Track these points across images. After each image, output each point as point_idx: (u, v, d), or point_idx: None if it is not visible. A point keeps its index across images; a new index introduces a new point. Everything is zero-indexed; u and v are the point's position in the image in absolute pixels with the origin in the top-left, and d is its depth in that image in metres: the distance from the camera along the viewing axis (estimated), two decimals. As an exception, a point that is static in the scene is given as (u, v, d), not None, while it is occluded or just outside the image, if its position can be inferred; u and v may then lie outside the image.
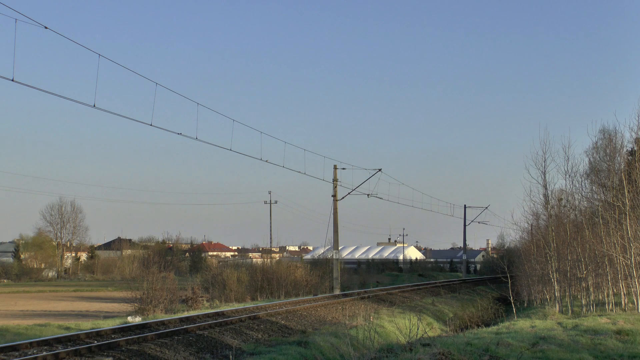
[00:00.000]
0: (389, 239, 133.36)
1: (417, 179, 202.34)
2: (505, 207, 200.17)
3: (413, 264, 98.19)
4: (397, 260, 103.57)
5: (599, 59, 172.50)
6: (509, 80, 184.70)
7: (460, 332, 22.40)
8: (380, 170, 41.94)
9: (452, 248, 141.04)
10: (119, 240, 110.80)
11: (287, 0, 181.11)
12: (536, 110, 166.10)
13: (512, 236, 76.77)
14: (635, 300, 26.31)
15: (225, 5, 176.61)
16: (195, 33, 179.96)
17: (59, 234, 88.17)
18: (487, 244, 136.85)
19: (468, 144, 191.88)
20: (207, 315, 24.07)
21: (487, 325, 28.60)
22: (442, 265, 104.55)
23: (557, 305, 30.18)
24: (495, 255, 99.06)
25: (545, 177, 31.05)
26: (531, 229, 40.57)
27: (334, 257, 42.27)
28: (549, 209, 32.84)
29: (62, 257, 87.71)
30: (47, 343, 16.53)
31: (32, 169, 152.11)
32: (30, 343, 16.19)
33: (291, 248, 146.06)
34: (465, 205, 75.15)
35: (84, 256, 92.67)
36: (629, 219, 25.73)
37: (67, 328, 23.19)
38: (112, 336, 18.22)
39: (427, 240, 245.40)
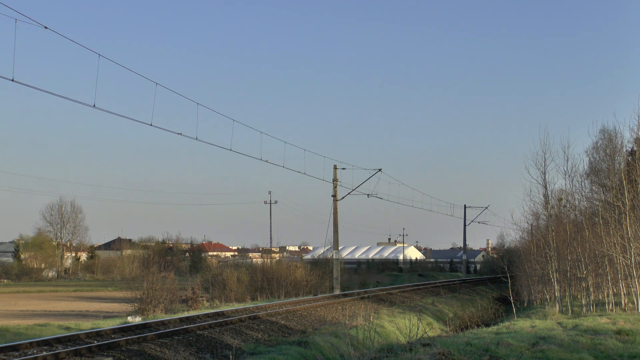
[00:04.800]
0: (389, 239, 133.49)
1: (417, 179, 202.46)
2: (505, 207, 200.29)
3: (413, 264, 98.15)
4: (397, 260, 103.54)
5: (599, 59, 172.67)
6: (509, 81, 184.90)
7: (460, 332, 22.42)
8: (380, 170, 41.95)
9: (452, 248, 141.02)
10: (119, 240, 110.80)
11: (287, 0, 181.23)
12: (536, 110, 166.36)
13: (512, 236, 76.81)
14: (635, 300, 26.31)
15: (225, 5, 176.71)
16: (195, 33, 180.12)
17: (59, 234, 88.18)
18: (487, 244, 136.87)
19: (468, 144, 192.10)
20: (207, 315, 24.07)
21: (487, 325, 28.61)
22: (442, 265, 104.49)
23: (557, 305, 30.17)
24: (495, 255, 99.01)
25: (545, 177, 31.09)
26: (531, 229, 40.57)
27: (334, 257, 42.25)
28: (549, 209, 32.85)
29: (62, 257, 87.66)
30: (47, 343, 16.53)
31: (32, 169, 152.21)
32: (30, 343, 16.19)
33: (291, 248, 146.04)
34: (465, 205, 75.23)
35: (84, 256, 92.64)
36: (629, 219, 25.73)
37: (67, 328, 23.19)
38: (112, 336, 18.22)
39: (427, 240, 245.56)
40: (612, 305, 28.17)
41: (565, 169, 30.43)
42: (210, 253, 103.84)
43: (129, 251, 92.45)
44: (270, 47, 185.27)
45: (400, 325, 26.92)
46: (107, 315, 30.45)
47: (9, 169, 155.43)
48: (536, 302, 37.59)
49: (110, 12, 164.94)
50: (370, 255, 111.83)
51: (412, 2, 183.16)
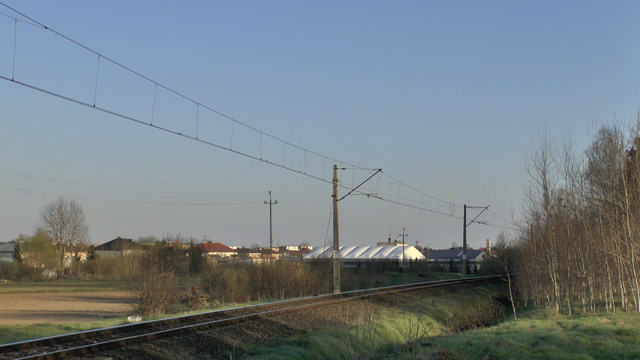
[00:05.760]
0: (389, 239, 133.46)
1: (417, 179, 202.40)
2: (505, 207, 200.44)
3: (413, 264, 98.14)
4: (397, 260, 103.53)
5: (599, 59, 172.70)
6: (509, 80, 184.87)
7: (460, 332, 22.41)
8: (380, 170, 41.94)
9: (452, 248, 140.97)
10: (119, 240, 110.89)
11: (287, 0, 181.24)
12: (536, 110, 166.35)
13: (512, 236, 76.82)
14: (635, 300, 26.31)
15: (225, 5, 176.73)
16: (195, 33, 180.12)
17: (59, 234, 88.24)
18: (487, 244, 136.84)
19: (468, 144, 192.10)
20: (207, 315, 24.07)
21: (487, 325, 28.60)
22: (442, 265, 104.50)
23: (557, 305, 30.17)
24: (495, 255, 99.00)
25: (545, 177, 31.07)
26: (531, 229, 40.58)
27: (334, 257, 42.24)
28: (549, 209, 32.85)
29: (62, 257, 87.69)
30: (47, 343, 16.53)
31: (32, 169, 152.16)
32: (31, 343, 16.19)
33: (291, 248, 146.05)
34: (465, 205, 75.21)
35: (84, 256, 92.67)
36: (629, 219, 25.73)
37: (67, 328, 23.19)
38: (112, 336, 18.22)
39: (427, 240, 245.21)
40: (612, 305, 28.17)
41: (566, 169, 30.45)
42: (210, 253, 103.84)
43: (129, 251, 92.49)
44: (270, 47, 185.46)
45: (400, 325, 26.92)
46: (107, 315, 30.45)
47: (9, 169, 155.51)
48: (536, 302, 37.58)
49: (110, 12, 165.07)
50: (370, 255, 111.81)
51: (412, 2, 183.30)
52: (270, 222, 75.93)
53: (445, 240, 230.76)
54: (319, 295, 37.29)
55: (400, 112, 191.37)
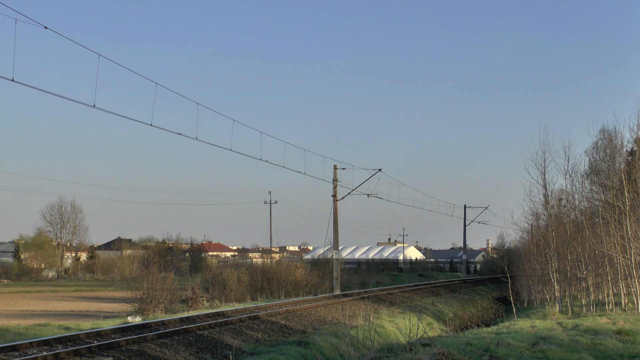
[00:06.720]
0: (389, 239, 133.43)
1: (417, 179, 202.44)
2: (505, 207, 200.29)
3: (413, 264, 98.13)
4: (397, 260, 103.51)
5: (599, 59, 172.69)
6: (509, 80, 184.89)
7: (460, 332, 22.44)
8: (380, 170, 41.94)
9: (452, 248, 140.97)
10: (119, 240, 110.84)
11: (287, 0, 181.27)
12: (536, 109, 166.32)
13: (512, 236, 76.79)
14: (635, 300, 26.32)
15: (226, 5, 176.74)
16: (195, 33, 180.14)
17: (59, 234, 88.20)
18: (487, 244, 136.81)
19: (468, 144, 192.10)
20: (207, 315, 24.07)
21: (487, 325, 28.62)
22: (442, 265, 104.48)
23: (557, 305, 30.18)
24: (495, 255, 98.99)
25: (545, 177, 31.07)
26: (531, 229, 40.61)
27: (334, 257, 42.24)
28: (549, 209, 32.85)
29: (62, 257, 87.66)
30: (47, 343, 16.54)
31: (32, 169, 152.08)
32: (31, 343, 16.19)
33: (291, 248, 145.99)
34: (465, 205, 75.21)
35: (84, 256, 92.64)
36: (629, 219, 25.73)
37: (67, 328, 23.20)
38: (112, 336, 18.22)
39: (427, 240, 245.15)
40: (612, 305, 28.18)
41: (566, 169, 30.46)
42: (210, 253, 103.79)
43: (129, 251, 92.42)
44: (271, 47, 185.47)
45: (400, 325, 26.92)
46: (107, 315, 30.46)
47: (9, 169, 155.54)
48: (536, 302, 37.59)
49: (110, 12, 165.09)
50: (370, 255, 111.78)
51: (412, 2, 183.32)
52: (270, 222, 75.96)
53: (445, 240, 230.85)
54: (319, 295, 37.29)
55: (400, 112, 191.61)
